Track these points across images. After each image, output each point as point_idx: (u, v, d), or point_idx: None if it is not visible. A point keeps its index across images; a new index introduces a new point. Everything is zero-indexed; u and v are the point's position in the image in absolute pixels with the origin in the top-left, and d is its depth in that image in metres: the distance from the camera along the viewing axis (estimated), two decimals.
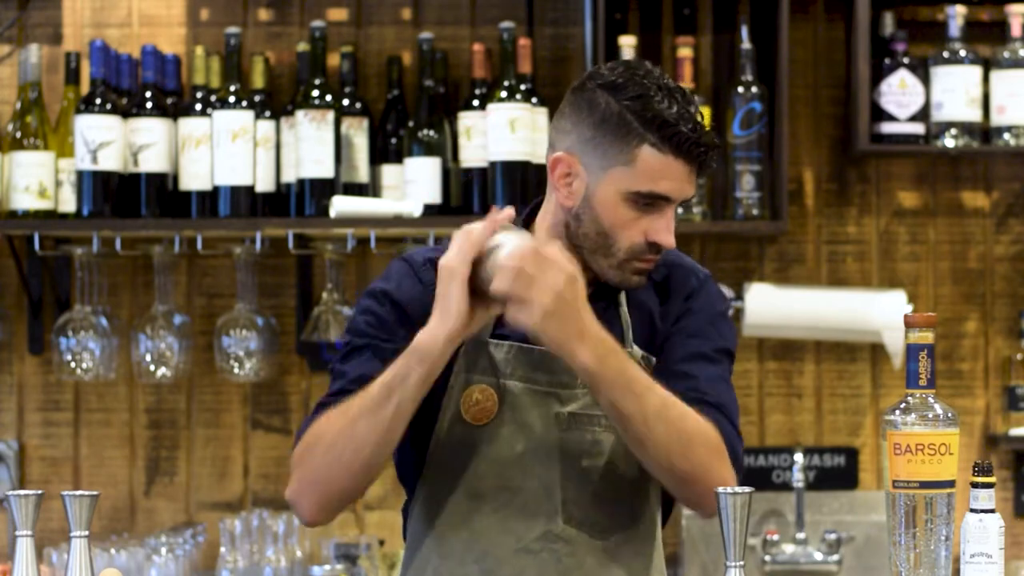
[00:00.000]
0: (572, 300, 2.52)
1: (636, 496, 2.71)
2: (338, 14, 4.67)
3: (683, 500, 2.68)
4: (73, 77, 4.49)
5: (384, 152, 4.47)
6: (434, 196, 4.36)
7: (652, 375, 2.68)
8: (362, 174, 4.41)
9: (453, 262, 2.55)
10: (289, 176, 4.37)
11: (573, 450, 2.67)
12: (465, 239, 2.56)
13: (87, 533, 2.39)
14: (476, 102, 4.40)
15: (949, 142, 4.43)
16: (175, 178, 4.41)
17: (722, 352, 2.75)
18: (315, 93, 4.35)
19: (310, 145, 4.31)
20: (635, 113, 2.63)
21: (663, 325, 2.74)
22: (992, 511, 2.44)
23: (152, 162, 4.38)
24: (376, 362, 2.65)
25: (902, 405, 2.45)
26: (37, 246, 4.42)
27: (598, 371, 2.54)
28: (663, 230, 2.66)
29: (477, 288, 2.57)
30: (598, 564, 2.68)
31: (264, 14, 4.67)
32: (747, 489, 2.33)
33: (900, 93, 4.47)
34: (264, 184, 4.36)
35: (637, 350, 2.72)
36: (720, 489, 2.32)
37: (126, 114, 4.38)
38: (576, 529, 2.67)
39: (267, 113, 4.40)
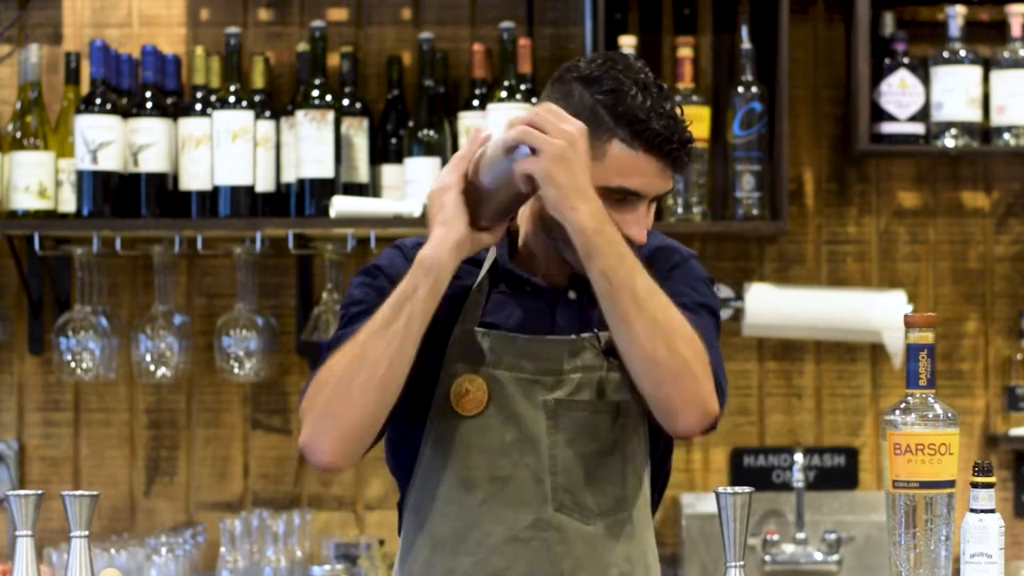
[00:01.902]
0: (582, 152, 2.54)
1: (626, 482, 2.70)
2: (338, 14, 4.67)
3: (659, 405, 2.62)
4: (73, 77, 4.49)
5: (384, 152, 4.48)
6: None
7: None
8: (362, 174, 4.41)
9: (443, 179, 2.59)
10: (289, 176, 4.37)
11: (561, 437, 2.67)
12: (453, 161, 2.61)
13: (87, 533, 2.39)
14: (476, 102, 4.40)
15: (949, 142, 4.43)
16: (175, 178, 4.41)
17: (702, 307, 2.73)
18: (315, 93, 4.35)
19: (310, 145, 4.31)
20: (607, 107, 2.62)
21: None
22: (992, 511, 2.44)
23: (152, 162, 4.38)
24: None
25: (902, 405, 2.45)
26: (37, 246, 4.42)
27: (594, 233, 2.54)
28: (634, 224, 2.64)
29: (473, 202, 2.60)
30: (589, 550, 2.68)
31: (264, 14, 4.67)
32: (747, 489, 2.33)
33: (900, 93, 4.47)
34: (264, 184, 4.36)
35: None
36: (720, 489, 2.32)
37: (126, 114, 4.38)
38: (566, 516, 2.67)
39: (267, 113, 4.40)
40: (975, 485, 2.44)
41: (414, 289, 2.56)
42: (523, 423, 2.67)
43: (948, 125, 4.44)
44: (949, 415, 2.44)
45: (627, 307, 2.56)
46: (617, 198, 2.63)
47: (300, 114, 4.32)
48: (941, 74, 4.45)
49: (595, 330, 2.68)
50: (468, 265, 2.71)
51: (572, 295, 2.71)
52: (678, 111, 2.66)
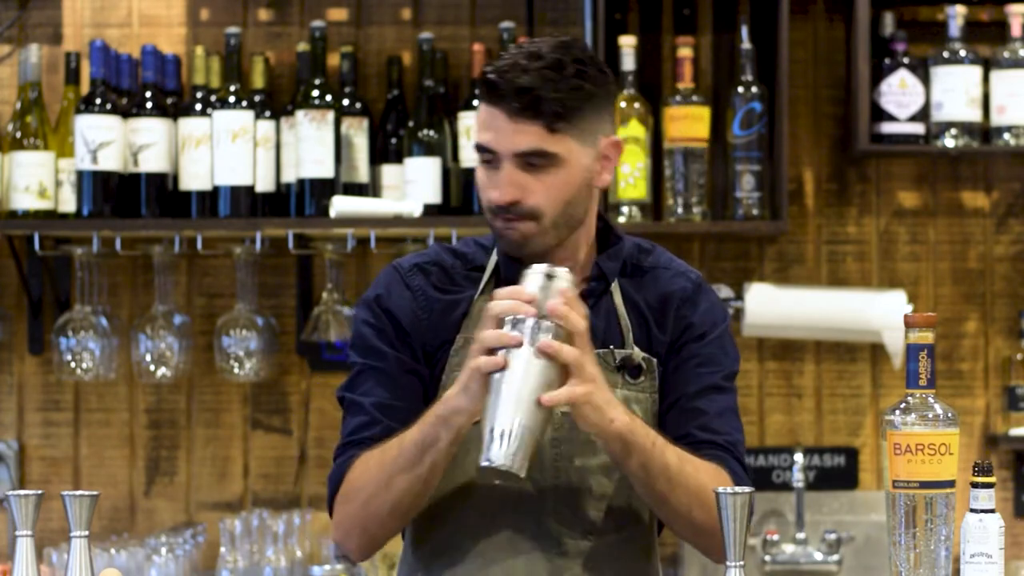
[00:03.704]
0: (602, 383, 2.54)
1: (630, 496, 2.70)
2: (338, 14, 4.67)
3: (700, 548, 2.69)
4: (73, 77, 4.49)
5: (384, 152, 4.47)
6: (434, 196, 4.36)
7: (661, 390, 2.70)
8: (362, 174, 4.41)
9: (482, 363, 2.49)
10: (289, 176, 4.37)
11: (566, 450, 2.67)
12: (495, 341, 2.51)
13: (87, 533, 2.39)
14: (476, 102, 4.39)
15: (949, 142, 4.43)
16: (175, 178, 4.41)
17: (730, 377, 2.76)
18: (315, 93, 4.35)
19: (310, 145, 4.31)
20: (483, 71, 2.65)
21: (661, 334, 2.72)
22: (992, 511, 2.44)
23: (152, 162, 4.38)
24: (385, 384, 2.67)
25: (902, 405, 2.45)
26: (37, 246, 4.42)
27: (631, 436, 2.54)
28: (491, 185, 2.63)
29: None
30: (590, 564, 2.67)
31: (264, 14, 4.67)
32: (747, 489, 2.33)
33: (900, 93, 4.47)
34: (264, 184, 4.37)
35: (638, 352, 2.70)
36: (720, 489, 2.32)
37: (126, 114, 4.38)
38: (568, 529, 2.66)
39: (267, 113, 4.40)
40: (975, 485, 2.44)
41: (436, 440, 2.56)
42: None
43: (948, 125, 4.44)
44: (949, 415, 2.44)
45: (663, 489, 2.59)
46: (482, 159, 2.64)
47: (300, 114, 4.32)
48: (941, 74, 4.45)
49: (611, 346, 2.69)
50: (470, 271, 2.72)
51: None
52: (541, 64, 2.59)
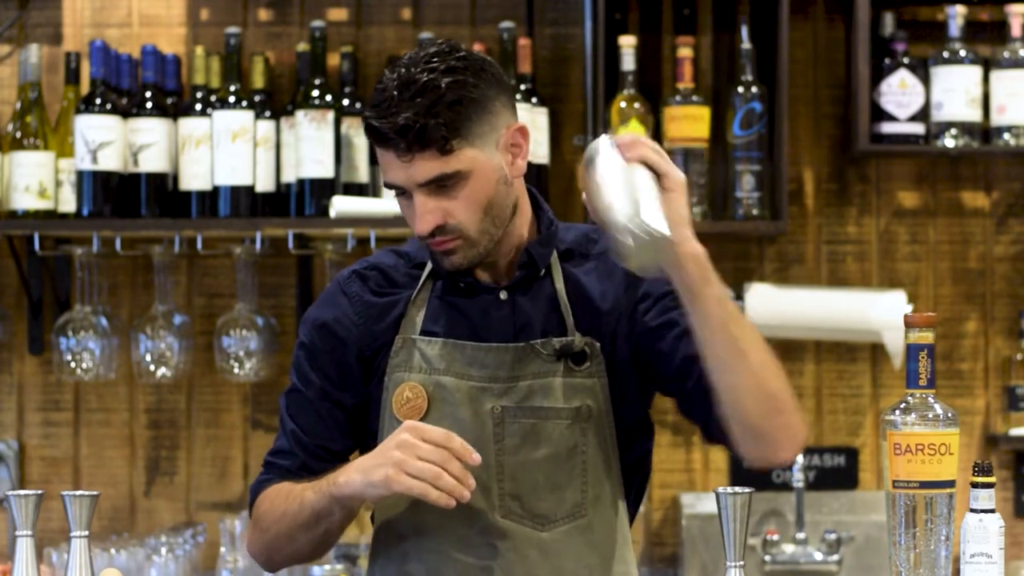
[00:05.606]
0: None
1: (586, 486, 2.69)
2: (338, 14, 4.67)
3: (763, 436, 2.62)
4: (73, 77, 4.49)
5: None
6: None
7: (609, 363, 2.71)
8: (362, 174, 4.41)
9: (397, 481, 2.54)
10: (289, 176, 4.37)
11: (509, 444, 2.67)
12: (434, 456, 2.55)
13: (87, 533, 2.39)
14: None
15: (949, 142, 4.44)
16: (175, 178, 4.41)
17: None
18: (315, 93, 4.35)
19: (310, 145, 4.31)
20: (365, 115, 2.65)
21: (613, 308, 2.72)
22: (992, 511, 2.44)
23: (152, 162, 4.38)
24: (306, 414, 2.78)
25: (902, 405, 2.45)
26: (37, 246, 4.42)
27: (706, 260, 2.57)
28: (413, 217, 2.64)
29: None
30: (542, 556, 2.67)
31: (264, 14, 4.67)
32: (747, 489, 2.33)
33: (900, 93, 4.47)
34: (264, 184, 4.37)
35: (580, 337, 2.69)
36: (720, 489, 2.32)
37: (126, 114, 4.38)
38: (517, 523, 2.67)
39: (267, 113, 4.40)
40: (975, 485, 2.44)
41: (329, 513, 2.65)
42: (468, 430, 2.65)
43: (948, 125, 4.44)
44: (949, 415, 2.44)
45: (741, 338, 2.57)
46: (396, 194, 2.66)
47: (300, 114, 4.32)
48: (941, 74, 4.45)
49: (549, 335, 2.69)
50: (411, 268, 2.75)
51: (504, 295, 2.71)
52: (413, 95, 2.58)
